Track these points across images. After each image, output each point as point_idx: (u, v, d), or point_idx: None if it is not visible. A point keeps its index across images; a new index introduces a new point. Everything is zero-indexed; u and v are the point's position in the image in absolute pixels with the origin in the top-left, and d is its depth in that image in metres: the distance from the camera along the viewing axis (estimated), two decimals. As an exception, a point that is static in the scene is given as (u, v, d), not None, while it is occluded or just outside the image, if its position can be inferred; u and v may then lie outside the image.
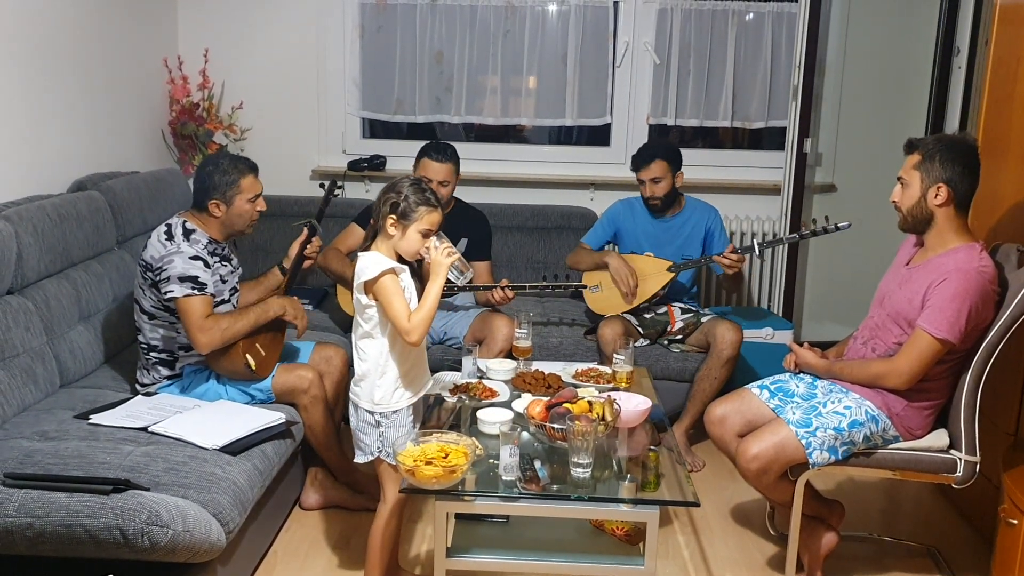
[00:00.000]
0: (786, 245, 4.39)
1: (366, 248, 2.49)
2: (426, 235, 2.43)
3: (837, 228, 3.37)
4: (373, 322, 2.46)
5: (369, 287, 2.41)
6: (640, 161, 3.71)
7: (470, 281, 2.65)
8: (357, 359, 2.53)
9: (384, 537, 2.55)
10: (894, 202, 2.65)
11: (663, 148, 3.73)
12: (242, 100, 4.51)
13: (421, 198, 2.42)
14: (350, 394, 2.57)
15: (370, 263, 2.42)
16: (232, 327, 2.84)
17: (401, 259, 2.48)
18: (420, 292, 2.49)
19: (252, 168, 2.98)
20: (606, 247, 3.96)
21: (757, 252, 3.59)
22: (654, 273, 3.71)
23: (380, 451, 2.52)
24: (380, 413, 2.49)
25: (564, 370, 3.07)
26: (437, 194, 2.48)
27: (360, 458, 2.57)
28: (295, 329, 3.11)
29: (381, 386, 2.48)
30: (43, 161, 3.33)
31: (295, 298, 3.12)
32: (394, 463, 2.44)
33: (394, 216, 2.42)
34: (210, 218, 2.93)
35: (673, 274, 3.69)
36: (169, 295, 2.79)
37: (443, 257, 2.43)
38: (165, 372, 2.97)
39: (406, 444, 2.36)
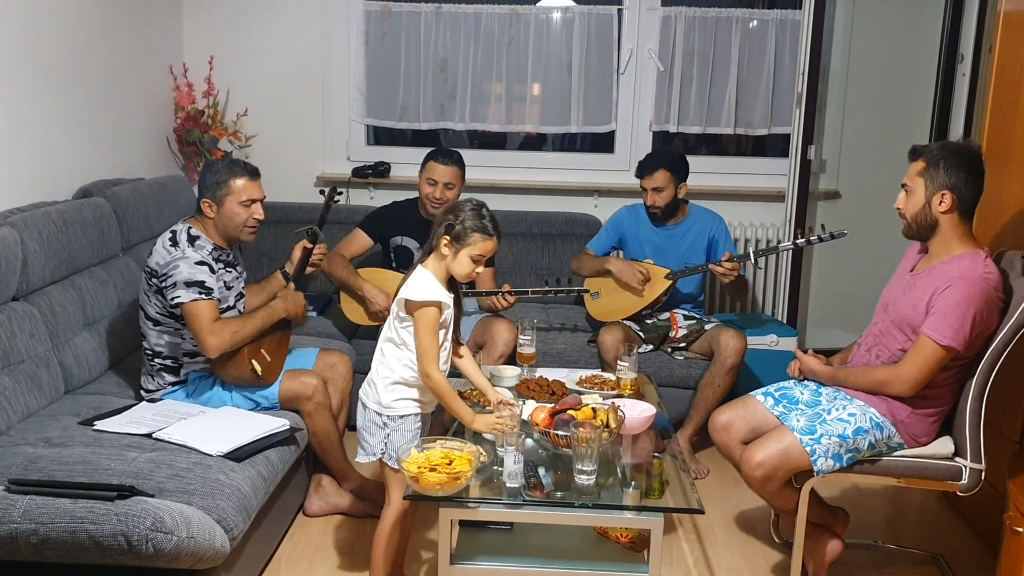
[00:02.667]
0: (784, 253, 4.38)
1: (420, 261, 2.51)
2: (477, 261, 2.44)
3: (833, 237, 3.37)
4: (404, 334, 2.46)
5: (410, 307, 2.42)
6: (644, 169, 3.70)
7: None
8: (376, 359, 2.53)
9: (388, 542, 2.54)
10: (898, 209, 2.65)
11: (669, 158, 3.71)
12: (247, 107, 4.52)
13: (478, 224, 2.42)
14: (360, 392, 2.58)
15: (420, 284, 2.42)
16: (241, 330, 2.85)
17: (452, 281, 2.51)
18: (457, 318, 2.55)
19: (249, 172, 2.94)
20: (611, 253, 3.97)
21: (752, 260, 3.59)
22: (654, 280, 3.71)
23: (383, 453, 2.52)
24: (388, 416, 2.50)
25: (568, 377, 3.07)
26: (497, 223, 2.47)
27: (361, 457, 2.58)
28: (301, 325, 3.11)
29: (392, 391, 2.49)
30: (48, 168, 3.34)
31: (291, 291, 3.12)
32: (397, 468, 2.45)
33: (448, 237, 2.42)
34: (207, 220, 2.93)
35: (671, 281, 3.69)
36: (175, 301, 2.79)
37: (493, 421, 2.45)
38: (170, 378, 2.97)
39: (410, 451, 2.37)
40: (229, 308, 3.01)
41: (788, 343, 3.91)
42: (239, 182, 2.91)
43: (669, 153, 3.81)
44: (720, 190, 4.53)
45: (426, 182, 3.64)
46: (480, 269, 2.47)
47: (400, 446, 2.45)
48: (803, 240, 3.48)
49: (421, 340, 2.40)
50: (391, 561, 2.59)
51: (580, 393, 2.87)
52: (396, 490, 2.51)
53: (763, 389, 2.90)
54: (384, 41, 4.59)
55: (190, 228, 2.91)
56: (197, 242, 2.88)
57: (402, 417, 2.50)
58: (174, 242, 2.86)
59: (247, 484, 2.49)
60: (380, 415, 2.51)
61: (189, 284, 2.79)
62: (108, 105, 3.79)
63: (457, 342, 2.61)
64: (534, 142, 4.98)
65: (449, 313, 2.47)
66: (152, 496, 2.26)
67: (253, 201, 2.94)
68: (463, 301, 3.75)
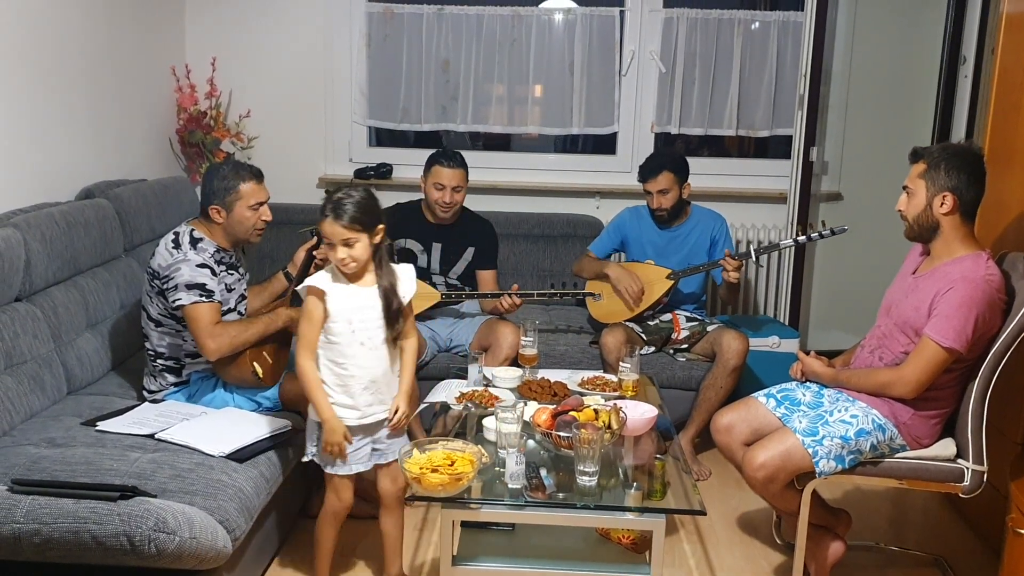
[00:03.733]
0: (785, 251, 4.38)
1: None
2: (329, 246, 2.42)
3: (834, 233, 3.38)
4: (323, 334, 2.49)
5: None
6: (647, 172, 3.70)
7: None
8: None
9: (323, 542, 2.62)
10: (900, 211, 2.65)
11: (670, 159, 3.71)
12: (249, 108, 4.53)
13: (321, 209, 2.43)
14: None
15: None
16: (241, 335, 2.85)
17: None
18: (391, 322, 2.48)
19: (255, 175, 2.96)
20: (613, 255, 3.97)
21: (754, 258, 3.59)
22: (655, 281, 3.71)
23: (315, 456, 2.54)
24: (316, 420, 2.50)
25: (570, 378, 3.07)
26: (344, 205, 2.40)
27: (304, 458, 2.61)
28: None
29: None
30: (51, 169, 3.35)
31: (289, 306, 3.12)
32: (331, 471, 2.52)
33: None
34: (214, 225, 2.94)
35: (672, 282, 3.69)
36: (177, 303, 2.80)
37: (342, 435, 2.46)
38: (172, 379, 2.98)
39: (412, 452, 2.37)
40: (230, 310, 3.01)
41: (790, 345, 3.92)
42: (247, 186, 2.92)
43: (670, 154, 3.82)
44: (722, 192, 4.53)
45: (434, 187, 3.64)
46: (342, 254, 2.39)
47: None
48: (804, 237, 3.48)
49: (299, 324, 2.46)
50: (329, 561, 2.64)
51: (582, 394, 2.87)
52: (329, 492, 2.58)
53: (765, 391, 2.90)
54: (386, 42, 4.60)
55: (193, 230, 2.92)
56: (200, 244, 2.89)
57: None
58: (176, 244, 2.86)
59: (249, 485, 2.49)
60: (314, 418, 2.51)
61: (190, 287, 2.79)
62: (111, 106, 3.80)
63: (394, 340, 2.52)
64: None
65: (337, 305, 2.43)
66: (155, 496, 2.26)
67: (261, 204, 2.96)
68: (465, 303, 3.81)
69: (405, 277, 2.55)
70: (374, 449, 2.57)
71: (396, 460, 2.54)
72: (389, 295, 2.48)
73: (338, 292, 2.44)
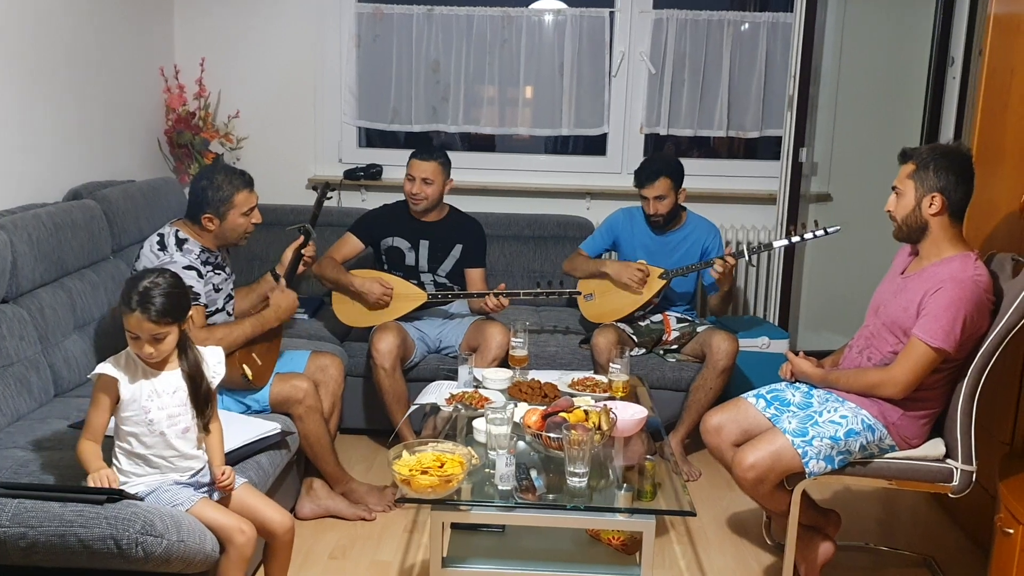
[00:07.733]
0: (777, 254, 4.39)
1: None
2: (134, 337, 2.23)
3: (827, 232, 3.38)
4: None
5: None
6: (644, 178, 3.67)
7: None
8: None
9: None
10: (889, 212, 2.66)
11: (667, 165, 3.67)
12: (238, 109, 4.51)
13: (124, 296, 2.24)
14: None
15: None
16: (228, 337, 2.84)
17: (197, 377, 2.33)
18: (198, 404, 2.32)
19: (247, 183, 2.96)
20: (604, 255, 3.96)
21: (746, 257, 3.59)
22: (648, 280, 3.71)
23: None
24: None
25: (560, 379, 3.07)
26: (148, 297, 2.20)
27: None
28: (294, 336, 3.10)
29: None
30: (39, 170, 3.33)
31: (282, 289, 3.09)
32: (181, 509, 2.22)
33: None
34: (203, 230, 2.93)
35: (665, 281, 3.69)
36: (164, 305, 2.78)
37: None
38: (160, 381, 2.96)
39: (402, 454, 2.36)
40: (219, 311, 3.00)
41: (780, 345, 3.92)
42: (241, 195, 2.93)
43: (666, 160, 3.75)
44: (712, 193, 4.53)
45: (407, 179, 3.67)
46: (149, 350, 2.21)
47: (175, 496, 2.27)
48: (797, 237, 3.48)
49: (88, 413, 2.27)
50: None
51: (572, 395, 2.87)
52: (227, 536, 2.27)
53: (755, 391, 2.90)
54: (376, 43, 4.59)
55: (178, 231, 2.90)
56: (185, 245, 2.87)
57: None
58: (162, 246, 2.85)
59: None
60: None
61: None
62: (99, 107, 3.78)
63: (205, 426, 2.36)
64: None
65: (133, 393, 2.24)
66: (142, 500, 2.25)
67: (252, 209, 2.98)
68: (454, 303, 3.81)
69: (212, 359, 2.40)
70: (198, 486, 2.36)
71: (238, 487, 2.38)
72: (196, 378, 2.32)
73: (133, 377, 2.26)
